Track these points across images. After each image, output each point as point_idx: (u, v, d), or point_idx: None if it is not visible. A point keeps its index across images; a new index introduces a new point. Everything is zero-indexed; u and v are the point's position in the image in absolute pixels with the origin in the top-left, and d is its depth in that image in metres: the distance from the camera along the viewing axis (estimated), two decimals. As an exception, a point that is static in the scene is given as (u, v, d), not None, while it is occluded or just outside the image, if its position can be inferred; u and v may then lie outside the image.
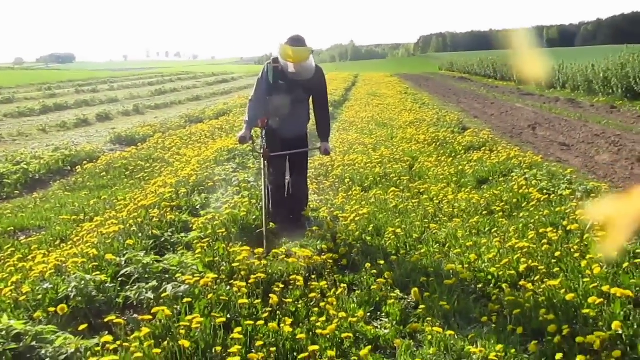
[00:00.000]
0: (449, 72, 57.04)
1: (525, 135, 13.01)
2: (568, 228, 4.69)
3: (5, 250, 5.07)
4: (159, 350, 2.80)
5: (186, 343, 2.87)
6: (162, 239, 4.84)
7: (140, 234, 4.83)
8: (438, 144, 10.34)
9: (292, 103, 5.10)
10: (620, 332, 3.05)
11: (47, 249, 5.04)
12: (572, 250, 4.19)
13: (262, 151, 5.09)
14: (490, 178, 7.33)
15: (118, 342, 2.85)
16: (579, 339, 3.03)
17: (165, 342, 2.90)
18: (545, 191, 6.06)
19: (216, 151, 8.82)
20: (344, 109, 18.66)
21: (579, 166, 8.93)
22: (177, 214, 5.49)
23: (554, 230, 4.67)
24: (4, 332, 2.96)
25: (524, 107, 19.78)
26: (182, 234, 5.04)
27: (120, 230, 4.86)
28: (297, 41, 4.94)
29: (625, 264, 3.71)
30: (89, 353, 2.81)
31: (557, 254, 4.19)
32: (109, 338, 2.88)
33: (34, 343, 2.92)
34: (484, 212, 5.82)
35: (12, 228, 5.97)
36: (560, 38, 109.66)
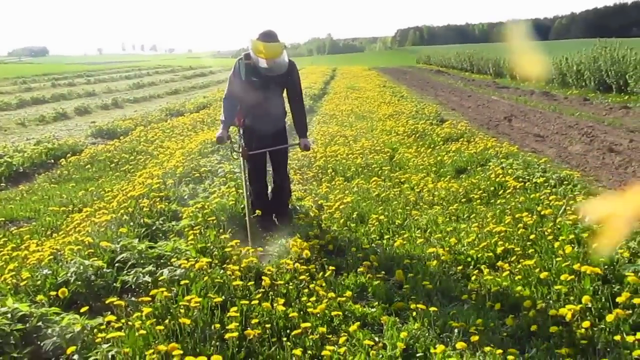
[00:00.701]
0: (426, 65, 57.45)
1: (502, 127, 13.33)
2: (542, 213, 4.93)
3: (-1, 239, 5.16)
4: (161, 327, 2.96)
5: (186, 321, 3.03)
6: (154, 227, 4.98)
7: (132, 223, 4.97)
8: (417, 135, 10.57)
9: (267, 99, 5.02)
10: (590, 305, 3.29)
11: (39, 239, 5.14)
12: (546, 232, 4.44)
13: (240, 150, 5.05)
14: (468, 167, 7.58)
15: (122, 321, 3.02)
16: (552, 312, 3.28)
17: (167, 321, 3.06)
18: (520, 179, 6.33)
19: (200, 143, 8.93)
20: (323, 102, 18.83)
21: (553, 156, 9.23)
22: (166, 203, 5.63)
23: (529, 215, 4.92)
24: (9, 314, 3.09)
25: (500, 99, 20.17)
26: (173, 223, 5.19)
27: (112, 219, 5.00)
28: (268, 36, 4.81)
29: (595, 244, 3.96)
30: (95, 330, 2.97)
31: (532, 236, 4.44)
32: (113, 317, 3.04)
33: (40, 324, 3.07)
34: (463, 200, 6.06)
35: (3, 219, 6.06)
36: (534, 32, 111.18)
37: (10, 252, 4.66)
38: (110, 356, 2.74)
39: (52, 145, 10.41)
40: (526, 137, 11.49)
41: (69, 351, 2.85)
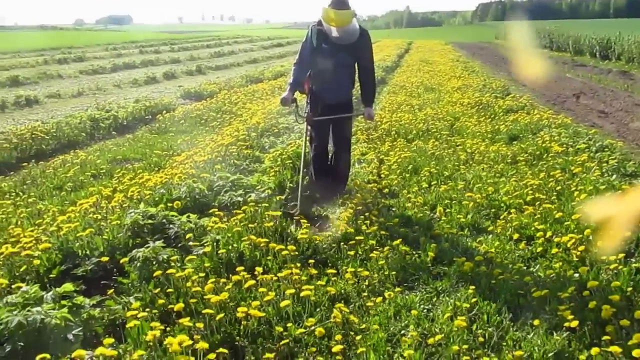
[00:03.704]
0: (504, 41, 56.18)
1: (568, 103, 13.60)
2: (574, 171, 5.63)
3: (117, 172, 6.42)
4: (253, 225, 4.02)
5: (269, 224, 4.07)
6: (241, 167, 6.09)
7: (223, 163, 6.08)
8: (480, 107, 11.16)
9: (335, 67, 4.98)
10: (590, 237, 4.05)
11: (149, 173, 6.34)
12: (571, 186, 5.16)
13: (305, 115, 5.14)
14: (521, 135, 8.20)
15: (225, 220, 4.09)
16: (556, 239, 4.08)
17: (255, 224, 4.11)
18: (564, 145, 6.96)
19: (278, 105, 9.95)
20: (395, 74, 19.50)
21: (612, 131, 9.64)
22: (250, 150, 6.72)
23: (562, 173, 5.63)
24: (141, 214, 4.23)
25: (574, 77, 20.09)
26: (257, 164, 6.26)
27: (208, 160, 6.13)
28: (339, 3, 4.79)
29: (608, 194, 4.68)
30: (204, 225, 4.06)
31: (558, 188, 5.18)
32: (216, 219, 4.12)
33: (164, 220, 4.20)
34: (509, 161, 6.76)
35: (120, 157, 7.36)
36: (627, 8, 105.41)
37: (129, 181, 5.87)
38: (216, 240, 3.81)
39: (149, 103, 11.82)
40: (589, 113, 11.81)
41: (187, 236, 3.96)
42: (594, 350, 2.66)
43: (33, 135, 8.30)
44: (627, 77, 19.73)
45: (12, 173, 6.99)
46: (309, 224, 4.32)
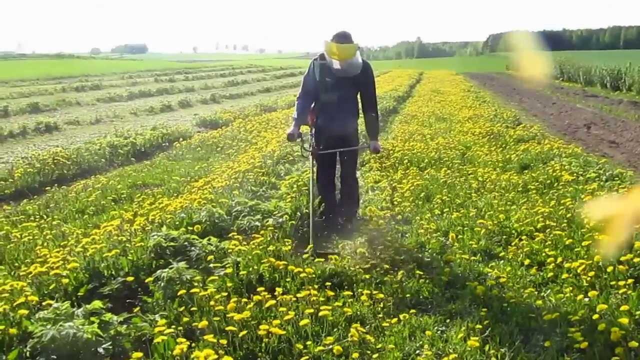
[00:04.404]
0: (515, 72, 56.56)
1: (579, 133, 13.74)
2: (584, 200, 5.74)
3: (137, 197, 6.61)
4: (272, 248, 4.16)
5: (286, 248, 4.22)
6: (258, 193, 6.25)
7: (241, 189, 6.25)
8: (491, 136, 11.31)
9: (339, 100, 5.05)
10: (600, 263, 4.15)
11: (168, 198, 6.52)
12: (582, 213, 5.27)
13: (310, 149, 5.22)
14: (532, 164, 8.33)
15: (244, 243, 4.24)
16: (567, 265, 4.18)
17: (273, 246, 4.25)
18: (575, 174, 7.07)
19: (285, 141, 10.17)
20: (407, 104, 19.75)
21: (622, 160, 9.75)
22: (266, 177, 6.90)
23: (572, 201, 5.74)
24: (164, 237, 4.39)
25: (585, 107, 20.25)
26: (273, 191, 6.43)
27: (225, 186, 6.30)
28: (342, 37, 4.86)
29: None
30: (224, 247, 4.21)
31: (569, 215, 5.29)
32: (236, 242, 4.27)
33: (185, 243, 4.35)
34: (520, 189, 6.88)
35: (140, 182, 7.57)
36: (638, 39, 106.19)
37: (149, 205, 6.05)
38: (236, 262, 3.96)
39: (166, 130, 12.11)
40: (600, 143, 11.93)
41: (209, 258, 4.11)
42: (603, 371, 2.76)
43: (55, 161, 8.55)
44: (638, 108, 19.85)
45: (35, 197, 7.20)
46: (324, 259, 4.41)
